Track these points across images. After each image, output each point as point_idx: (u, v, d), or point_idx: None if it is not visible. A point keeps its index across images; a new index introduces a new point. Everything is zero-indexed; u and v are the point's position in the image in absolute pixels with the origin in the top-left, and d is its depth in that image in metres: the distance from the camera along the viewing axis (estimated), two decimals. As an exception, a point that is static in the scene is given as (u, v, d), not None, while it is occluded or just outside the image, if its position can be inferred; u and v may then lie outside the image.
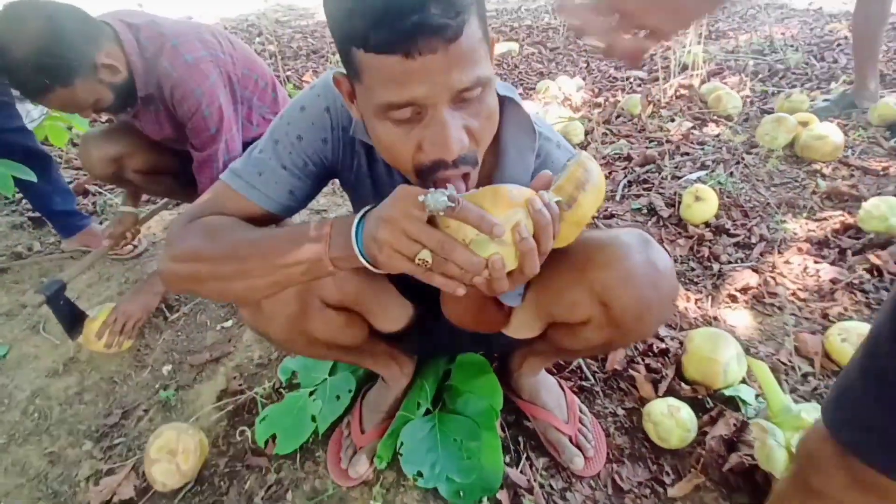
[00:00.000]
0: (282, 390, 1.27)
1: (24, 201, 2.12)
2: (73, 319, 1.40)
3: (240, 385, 1.30)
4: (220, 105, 1.26)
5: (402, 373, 1.15)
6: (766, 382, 0.98)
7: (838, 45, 3.68)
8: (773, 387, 0.97)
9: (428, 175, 0.60)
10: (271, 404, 1.20)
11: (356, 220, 0.61)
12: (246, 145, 1.41)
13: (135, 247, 1.79)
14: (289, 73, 3.91)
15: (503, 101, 0.72)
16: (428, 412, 1.12)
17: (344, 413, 1.16)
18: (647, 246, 0.75)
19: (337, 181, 0.87)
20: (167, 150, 1.46)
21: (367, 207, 0.62)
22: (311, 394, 1.20)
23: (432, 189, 0.53)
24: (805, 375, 1.20)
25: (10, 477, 1.16)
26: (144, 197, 1.93)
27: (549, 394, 1.13)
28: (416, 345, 1.14)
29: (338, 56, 0.59)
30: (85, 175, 2.30)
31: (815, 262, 1.52)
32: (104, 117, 2.65)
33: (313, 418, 1.15)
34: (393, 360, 1.13)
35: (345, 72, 0.62)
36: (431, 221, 0.55)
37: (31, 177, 1.55)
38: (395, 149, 0.60)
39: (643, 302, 0.74)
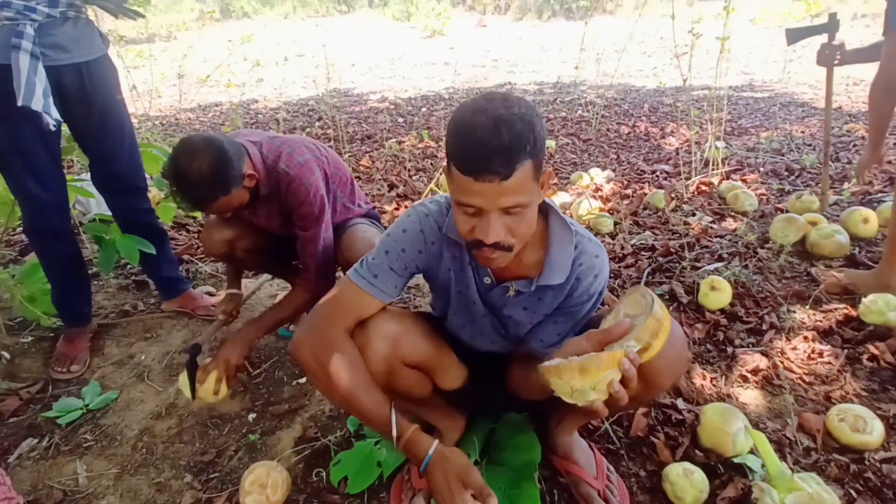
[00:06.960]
0: (351, 439, 1.49)
1: (128, 266, 2.49)
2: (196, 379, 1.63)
3: (315, 433, 1.53)
4: (322, 194, 1.60)
5: (456, 426, 1.37)
6: (764, 450, 1.16)
7: (854, 145, 3.92)
8: (770, 453, 1.16)
9: (472, 248, 0.96)
10: (342, 451, 1.43)
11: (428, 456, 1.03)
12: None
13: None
14: (346, 156, 4.36)
15: (549, 208, 1.07)
16: (476, 463, 1.33)
17: (405, 461, 1.38)
18: None
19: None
20: (268, 234, 1.79)
21: (433, 451, 1.05)
22: (376, 443, 1.42)
23: None
24: (807, 450, 1.37)
25: (125, 502, 1.40)
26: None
27: (581, 452, 1.32)
28: (468, 403, 1.37)
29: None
30: (181, 245, 2.69)
31: (820, 349, 1.70)
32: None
33: (379, 464, 1.36)
34: (448, 415, 1.36)
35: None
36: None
37: (152, 250, 1.91)
38: (460, 226, 0.95)
39: (663, 359, 0.97)
